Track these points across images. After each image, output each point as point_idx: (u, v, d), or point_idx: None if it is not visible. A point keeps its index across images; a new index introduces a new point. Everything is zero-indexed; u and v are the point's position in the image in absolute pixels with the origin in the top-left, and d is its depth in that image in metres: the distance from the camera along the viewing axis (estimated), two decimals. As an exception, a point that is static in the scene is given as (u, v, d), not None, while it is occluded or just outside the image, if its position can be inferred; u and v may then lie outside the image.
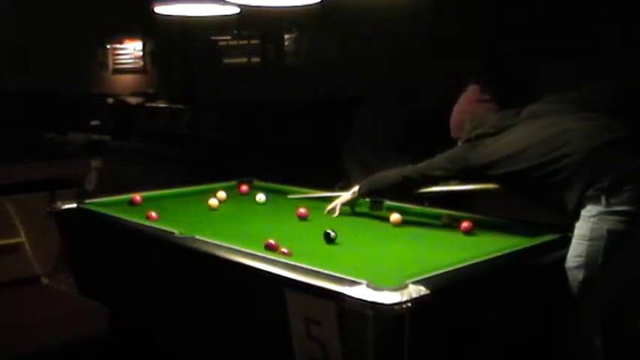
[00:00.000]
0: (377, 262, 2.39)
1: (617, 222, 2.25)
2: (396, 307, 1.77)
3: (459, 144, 2.73)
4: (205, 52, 8.89)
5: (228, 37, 8.55)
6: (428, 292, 1.85)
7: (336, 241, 2.59)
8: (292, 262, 2.14)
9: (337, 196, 3.14)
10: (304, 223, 3.00)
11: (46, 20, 10.33)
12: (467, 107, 2.83)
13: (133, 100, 9.44)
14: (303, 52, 7.69)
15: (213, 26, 7.83)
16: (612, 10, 5.08)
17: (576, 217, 2.34)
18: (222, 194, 3.41)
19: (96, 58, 10.55)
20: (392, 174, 2.86)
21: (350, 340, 1.86)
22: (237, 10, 3.64)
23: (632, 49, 4.86)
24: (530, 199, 2.58)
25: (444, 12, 5.86)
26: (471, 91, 2.87)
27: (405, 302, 1.78)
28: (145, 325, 2.89)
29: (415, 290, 1.84)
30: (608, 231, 2.25)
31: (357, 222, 3.03)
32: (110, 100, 9.67)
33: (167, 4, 3.67)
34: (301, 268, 2.07)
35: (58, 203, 3.14)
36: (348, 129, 5.36)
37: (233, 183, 3.73)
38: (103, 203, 3.21)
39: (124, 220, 2.87)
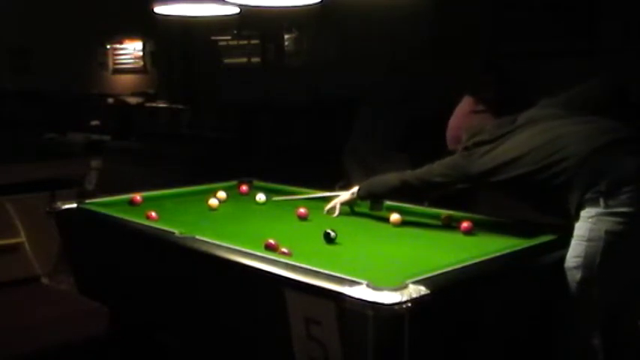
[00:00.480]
0: (377, 262, 2.39)
1: (615, 223, 2.25)
2: (396, 307, 1.77)
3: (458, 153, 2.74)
4: (205, 52, 8.89)
5: (228, 37, 8.55)
6: (428, 292, 1.85)
7: (336, 241, 2.59)
8: (292, 262, 2.14)
9: (333, 197, 3.14)
10: (304, 223, 3.00)
11: (46, 20, 10.33)
12: (463, 119, 2.85)
13: (133, 100, 9.43)
14: (303, 52, 7.68)
15: (213, 26, 7.83)
16: (612, 10, 5.07)
17: (576, 217, 2.35)
18: (222, 194, 3.41)
19: (96, 58, 10.55)
20: (391, 178, 2.87)
21: (350, 340, 1.86)
22: (237, 10, 3.64)
23: (632, 49, 4.86)
24: (533, 205, 2.58)
25: (444, 12, 5.86)
26: (465, 103, 2.89)
27: (405, 302, 1.78)
28: (145, 325, 2.89)
29: (415, 290, 1.84)
30: (607, 232, 2.26)
31: (357, 222, 3.04)
32: (110, 100, 9.67)
33: (167, 4, 3.67)
34: (301, 268, 2.07)
35: (58, 203, 3.13)
36: (348, 129, 5.36)
37: (233, 183, 3.73)
38: (103, 203, 3.21)
39: (124, 220, 2.87)
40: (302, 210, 3.04)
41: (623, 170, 2.28)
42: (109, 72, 10.52)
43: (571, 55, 5.15)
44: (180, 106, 8.74)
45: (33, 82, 10.61)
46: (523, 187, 2.49)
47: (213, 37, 8.68)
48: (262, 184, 3.75)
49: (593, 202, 2.28)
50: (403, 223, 2.91)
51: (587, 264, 2.28)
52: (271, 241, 2.45)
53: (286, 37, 7.84)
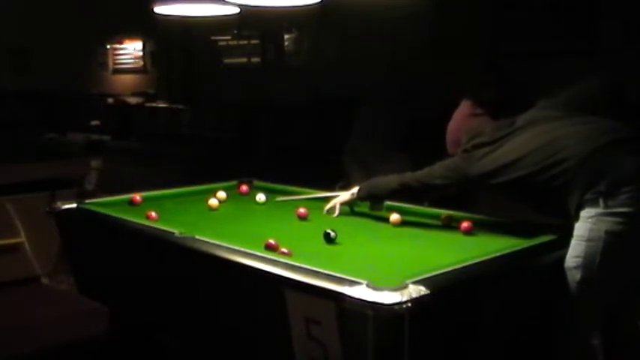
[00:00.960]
0: (377, 262, 2.39)
1: (615, 223, 2.25)
2: (396, 307, 1.78)
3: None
4: (205, 52, 8.89)
5: (228, 37, 8.55)
6: (428, 292, 1.85)
7: (336, 241, 2.59)
8: (292, 262, 2.14)
9: (333, 197, 3.14)
10: (304, 223, 3.00)
11: (46, 20, 10.32)
12: (462, 122, 2.86)
13: (133, 100, 9.43)
14: (303, 52, 7.68)
15: (213, 26, 7.82)
16: (612, 10, 5.07)
17: (575, 218, 2.35)
18: (222, 194, 3.41)
19: (96, 58, 10.54)
20: (391, 180, 2.87)
21: (350, 340, 1.87)
22: (237, 10, 3.64)
23: (632, 49, 4.86)
24: (533, 206, 2.58)
25: (444, 12, 5.86)
26: (464, 107, 2.90)
27: (405, 302, 1.78)
28: (145, 325, 2.88)
29: (415, 290, 1.84)
30: (606, 232, 2.26)
31: (357, 222, 3.04)
32: (110, 100, 9.66)
33: (167, 4, 3.67)
34: (301, 268, 2.07)
35: (58, 203, 3.14)
36: (348, 129, 5.36)
37: (233, 183, 3.73)
38: (103, 203, 3.21)
39: (124, 220, 2.87)
40: (302, 210, 3.04)
41: (622, 170, 2.28)
42: (109, 72, 10.51)
43: (571, 55, 5.15)
44: (180, 106, 8.73)
45: (33, 82, 10.61)
46: (523, 188, 2.50)
47: (213, 37, 8.67)
48: (262, 184, 3.75)
49: (593, 203, 2.29)
50: (403, 223, 2.91)
51: (587, 264, 2.28)
52: (271, 241, 2.45)
53: (286, 37, 7.83)
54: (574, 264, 2.30)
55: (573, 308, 2.33)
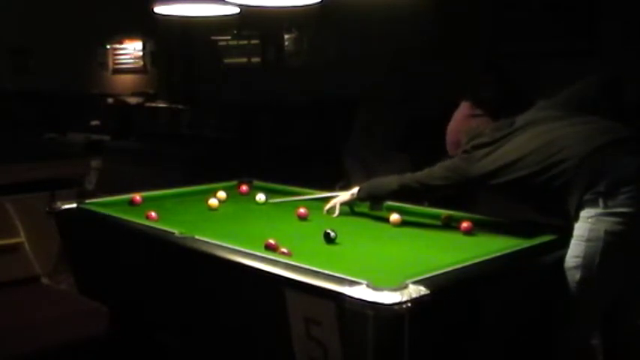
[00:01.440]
0: (377, 262, 2.39)
1: (614, 223, 2.26)
2: (396, 307, 1.78)
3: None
4: (205, 52, 8.89)
5: (228, 38, 8.54)
6: (428, 292, 1.85)
7: (336, 241, 2.59)
8: (292, 262, 2.14)
9: (332, 197, 3.14)
10: (304, 223, 3.00)
11: (46, 20, 10.32)
12: (461, 123, 2.86)
13: (133, 100, 9.42)
14: (303, 52, 7.68)
15: (213, 26, 7.82)
16: (612, 10, 5.08)
17: (575, 218, 2.35)
18: (222, 194, 3.41)
19: (96, 58, 10.54)
20: (391, 181, 2.87)
21: (350, 340, 1.87)
22: (237, 10, 3.64)
23: (632, 49, 4.87)
24: (533, 207, 2.58)
25: (444, 12, 5.86)
26: (463, 108, 2.91)
27: (405, 302, 1.79)
28: (145, 325, 2.88)
29: (415, 290, 1.84)
30: (606, 232, 2.26)
31: (357, 222, 3.04)
32: (110, 100, 9.66)
33: (167, 4, 3.68)
34: (301, 268, 2.07)
35: (58, 203, 3.14)
36: (348, 129, 5.36)
37: (233, 183, 3.73)
38: (103, 203, 3.21)
39: (124, 220, 2.88)
40: (302, 210, 3.04)
41: (622, 170, 2.28)
42: (109, 72, 10.51)
43: (571, 55, 5.15)
44: (180, 106, 8.73)
45: (33, 82, 10.60)
46: (523, 188, 2.50)
47: (213, 37, 8.67)
48: (262, 184, 3.75)
49: (593, 203, 2.29)
50: (403, 223, 2.92)
51: (587, 264, 2.28)
52: (271, 241, 2.45)
53: (286, 37, 7.83)
54: (574, 264, 2.31)
55: (573, 308, 2.33)
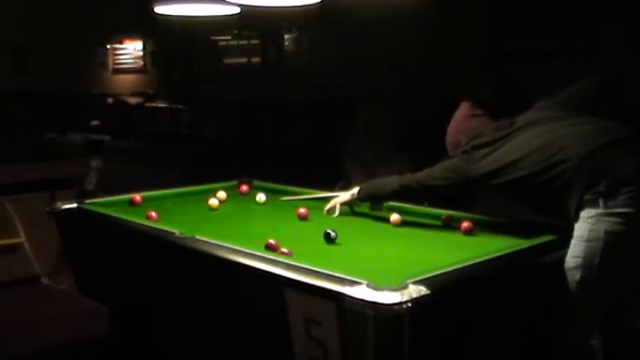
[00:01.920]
0: (377, 262, 2.39)
1: (614, 223, 2.26)
2: (396, 307, 1.78)
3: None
4: (205, 52, 8.89)
5: (228, 38, 8.54)
6: (428, 292, 1.85)
7: (336, 241, 2.59)
8: (292, 262, 2.14)
9: (333, 197, 3.14)
10: (304, 223, 3.00)
11: (46, 20, 10.32)
12: (461, 123, 2.86)
13: (133, 100, 9.42)
14: (303, 52, 7.68)
15: (213, 26, 7.82)
16: (612, 10, 5.08)
17: (575, 218, 2.35)
18: (222, 194, 3.41)
19: (96, 58, 10.54)
20: (391, 182, 2.87)
21: (350, 340, 1.87)
22: (237, 10, 3.64)
23: (632, 49, 4.87)
24: (533, 207, 2.58)
25: (444, 12, 5.86)
26: (463, 108, 2.91)
27: (405, 302, 1.79)
28: (145, 325, 2.88)
29: (415, 290, 1.84)
30: (606, 232, 2.26)
31: (357, 222, 3.04)
32: (110, 100, 9.66)
33: (167, 4, 3.67)
34: (301, 268, 2.08)
35: (58, 203, 3.14)
36: (348, 129, 5.36)
37: (233, 183, 3.73)
38: (103, 203, 3.21)
39: (124, 220, 2.88)
40: (302, 210, 3.04)
41: (622, 171, 2.28)
42: (109, 72, 10.51)
43: (571, 55, 5.15)
44: (180, 106, 8.73)
45: (33, 82, 10.60)
46: (523, 189, 2.50)
47: (213, 37, 8.67)
48: (262, 184, 3.75)
49: (593, 203, 2.29)
50: (403, 223, 2.92)
51: (587, 264, 2.28)
52: (271, 241, 2.45)
53: (286, 37, 7.83)
54: (574, 264, 2.31)
55: (573, 308, 2.33)
